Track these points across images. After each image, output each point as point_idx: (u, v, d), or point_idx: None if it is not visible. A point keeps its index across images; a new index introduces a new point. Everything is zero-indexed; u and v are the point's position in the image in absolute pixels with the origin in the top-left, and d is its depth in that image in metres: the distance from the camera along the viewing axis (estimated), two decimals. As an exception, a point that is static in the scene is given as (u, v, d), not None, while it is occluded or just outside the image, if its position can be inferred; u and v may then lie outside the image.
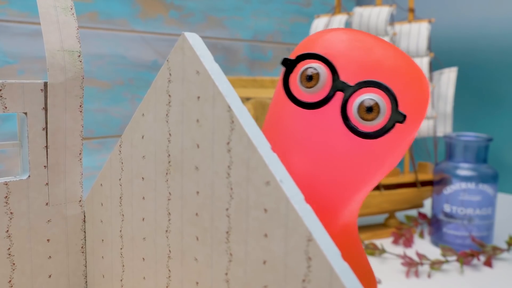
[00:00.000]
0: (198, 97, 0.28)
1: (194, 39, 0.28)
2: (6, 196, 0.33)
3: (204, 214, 0.29)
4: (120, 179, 0.34)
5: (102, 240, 0.36)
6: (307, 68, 0.28)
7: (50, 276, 0.36)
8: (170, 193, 0.31)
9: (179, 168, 0.30)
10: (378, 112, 0.26)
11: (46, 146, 0.35)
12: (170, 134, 0.30)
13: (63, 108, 0.35)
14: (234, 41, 0.86)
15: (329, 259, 0.23)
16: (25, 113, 0.34)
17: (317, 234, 0.24)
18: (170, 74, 0.30)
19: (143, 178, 0.32)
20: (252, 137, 0.26)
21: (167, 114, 0.30)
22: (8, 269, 0.34)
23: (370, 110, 0.26)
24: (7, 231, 0.34)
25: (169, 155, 0.30)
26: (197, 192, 0.29)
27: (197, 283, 0.30)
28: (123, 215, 0.34)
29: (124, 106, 0.74)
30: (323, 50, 0.28)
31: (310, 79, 0.27)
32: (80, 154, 0.36)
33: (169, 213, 0.31)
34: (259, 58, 0.90)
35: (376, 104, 0.26)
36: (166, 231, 0.31)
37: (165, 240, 0.31)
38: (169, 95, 0.30)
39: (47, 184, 0.35)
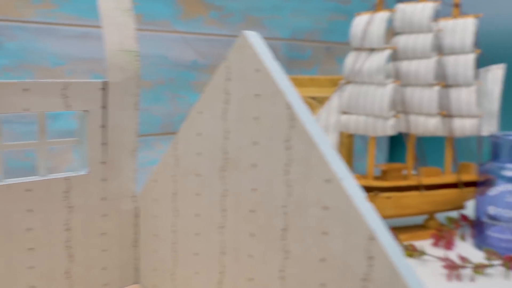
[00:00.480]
0: (257, 95, 0.29)
1: (254, 38, 0.29)
2: (67, 191, 0.35)
3: (260, 211, 0.29)
4: (174, 176, 0.35)
5: (155, 234, 0.37)
6: None
7: (104, 268, 0.37)
8: (225, 190, 0.31)
9: (235, 165, 0.30)
10: None
11: (104, 143, 0.36)
12: (227, 132, 0.31)
13: (121, 106, 0.36)
14: (273, 40, 0.87)
15: (392, 258, 0.23)
16: (86, 111, 0.35)
17: (379, 233, 0.24)
18: (228, 73, 0.30)
19: (197, 174, 0.33)
20: (313, 135, 0.26)
21: (224, 112, 0.31)
22: (66, 261, 0.35)
23: None
24: (67, 224, 0.35)
25: (226, 152, 0.31)
26: (254, 189, 0.29)
27: (251, 279, 0.30)
28: (176, 210, 0.35)
29: (164, 105, 0.76)
30: None
31: None
32: (134, 151, 0.37)
33: (224, 209, 0.31)
34: (298, 57, 0.90)
35: None
36: (220, 227, 0.32)
37: (219, 236, 0.32)
38: (227, 93, 0.30)
39: (104, 179, 0.36)
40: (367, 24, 0.66)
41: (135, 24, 0.36)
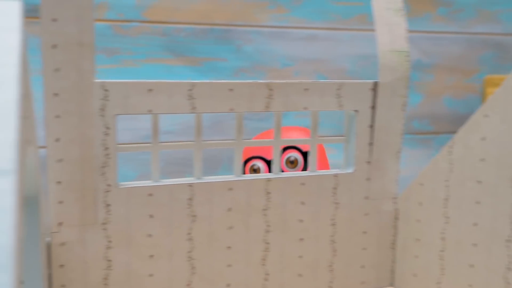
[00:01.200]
0: None
1: None
2: (335, 187, 0.36)
3: None
4: (447, 181, 0.33)
5: (417, 239, 0.36)
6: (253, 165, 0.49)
7: (362, 266, 0.38)
8: (517, 200, 0.29)
9: (534, 174, 0.28)
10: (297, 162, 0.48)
11: (371, 143, 0.36)
12: (525, 138, 0.28)
13: (389, 107, 0.36)
14: (508, 36, 0.79)
15: None
16: (356, 111, 0.36)
17: None
18: (532, 74, 0.28)
19: (479, 182, 0.31)
20: None
21: (523, 116, 0.28)
22: (330, 255, 0.37)
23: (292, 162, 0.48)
24: (333, 219, 0.36)
25: (521, 160, 0.28)
26: (560, 203, 0.26)
27: (546, 301, 0.27)
28: (447, 217, 0.33)
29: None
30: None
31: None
32: (398, 152, 0.37)
33: (513, 221, 0.29)
34: (531, 55, 0.81)
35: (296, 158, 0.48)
36: (508, 240, 0.29)
37: (505, 250, 0.29)
38: (529, 96, 0.28)
39: (368, 179, 0.37)
40: None
41: (406, 23, 0.36)
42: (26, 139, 0.24)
